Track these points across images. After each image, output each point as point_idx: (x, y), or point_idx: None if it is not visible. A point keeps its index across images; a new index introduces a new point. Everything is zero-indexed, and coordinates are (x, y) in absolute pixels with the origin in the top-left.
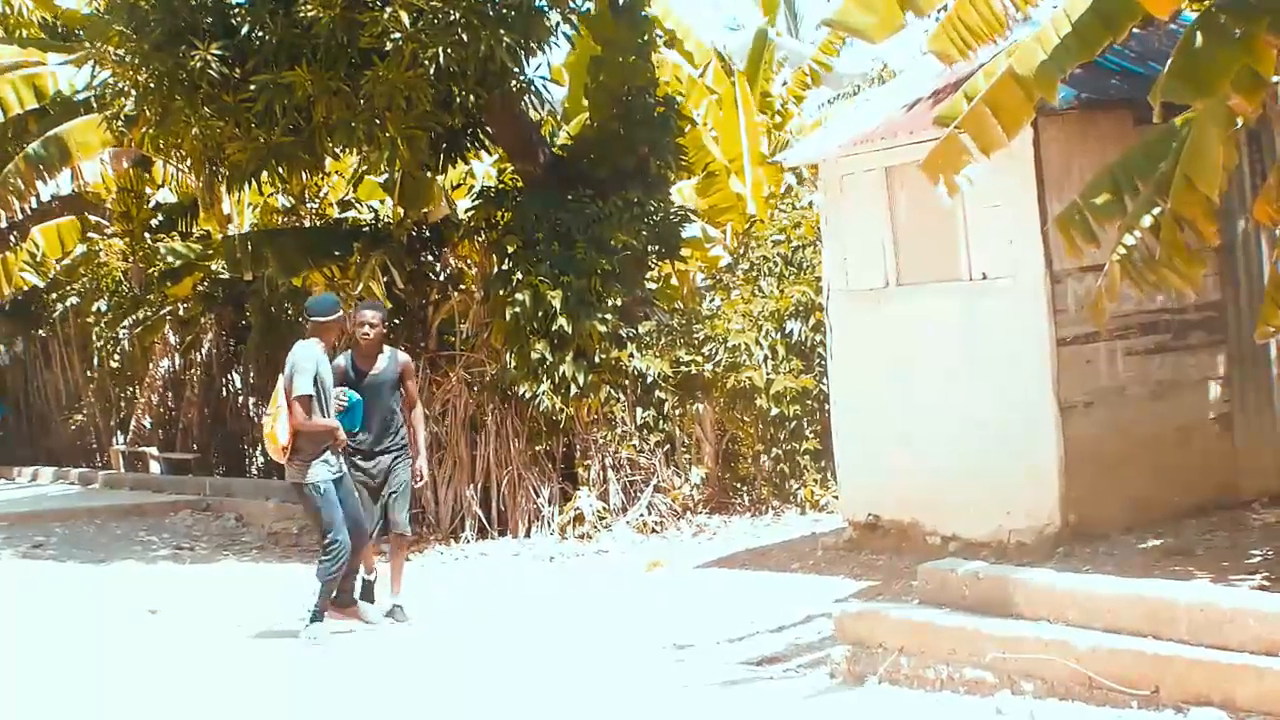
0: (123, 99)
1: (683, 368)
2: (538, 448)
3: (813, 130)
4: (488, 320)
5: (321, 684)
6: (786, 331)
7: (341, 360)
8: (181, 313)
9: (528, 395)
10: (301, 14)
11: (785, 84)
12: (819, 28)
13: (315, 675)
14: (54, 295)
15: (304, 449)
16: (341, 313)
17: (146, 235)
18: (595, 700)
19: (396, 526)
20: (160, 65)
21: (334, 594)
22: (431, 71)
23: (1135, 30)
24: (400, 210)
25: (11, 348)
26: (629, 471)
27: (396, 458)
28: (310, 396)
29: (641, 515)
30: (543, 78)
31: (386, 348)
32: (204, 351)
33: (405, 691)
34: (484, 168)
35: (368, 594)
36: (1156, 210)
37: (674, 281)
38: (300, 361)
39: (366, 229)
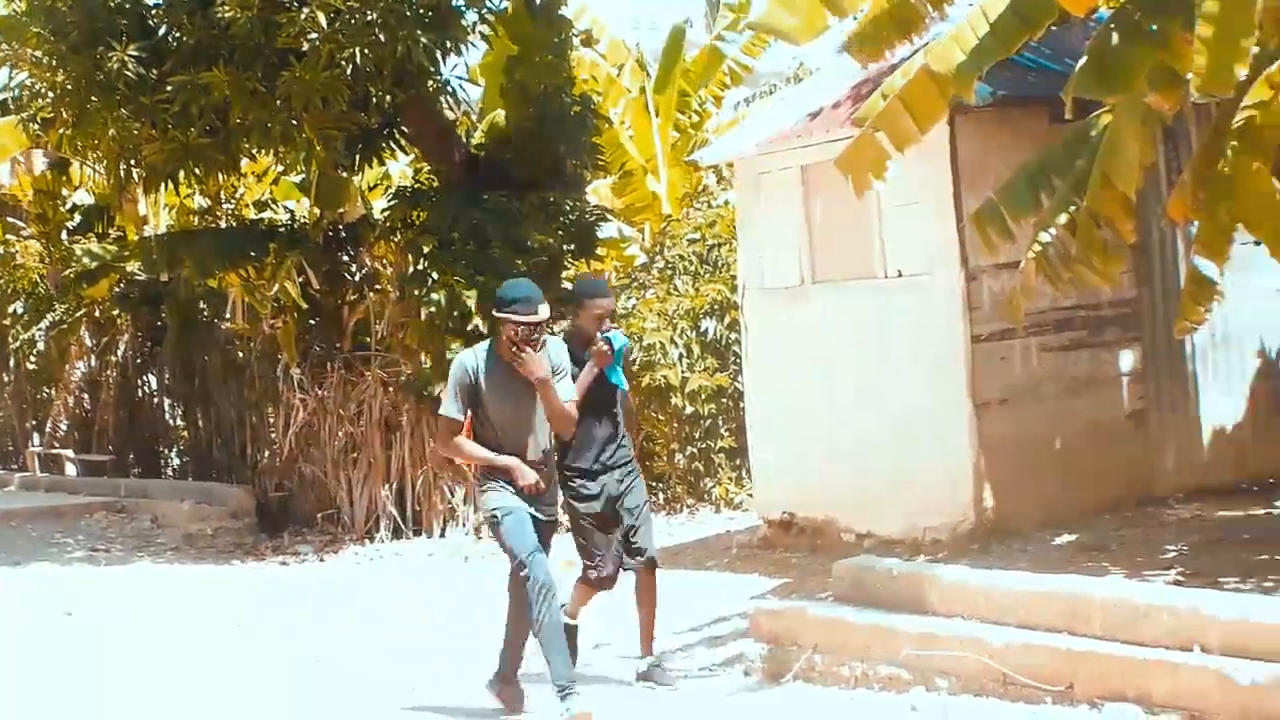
0: (39, 100)
1: None
2: None
3: (729, 129)
4: (403, 320)
5: (230, 679)
6: (702, 330)
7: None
8: (98, 314)
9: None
10: (219, 15)
11: (707, 85)
12: (742, 30)
13: (225, 674)
14: None
15: (483, 470)
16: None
17: (63, 237)
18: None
19: (643, 556)
20: (78, 67)
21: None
22: (348, 71)
23: (1052, 27)
24: (316, 210)
25: None
26: None
27: (629, 473)
28: (453, 419)
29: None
30: (459, 77)
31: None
32: (120, 353)
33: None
34: (400, 168)
35: (570, 644)
36: (1073, 207)
37: None
38: (452, 372)
39: (282, 229)
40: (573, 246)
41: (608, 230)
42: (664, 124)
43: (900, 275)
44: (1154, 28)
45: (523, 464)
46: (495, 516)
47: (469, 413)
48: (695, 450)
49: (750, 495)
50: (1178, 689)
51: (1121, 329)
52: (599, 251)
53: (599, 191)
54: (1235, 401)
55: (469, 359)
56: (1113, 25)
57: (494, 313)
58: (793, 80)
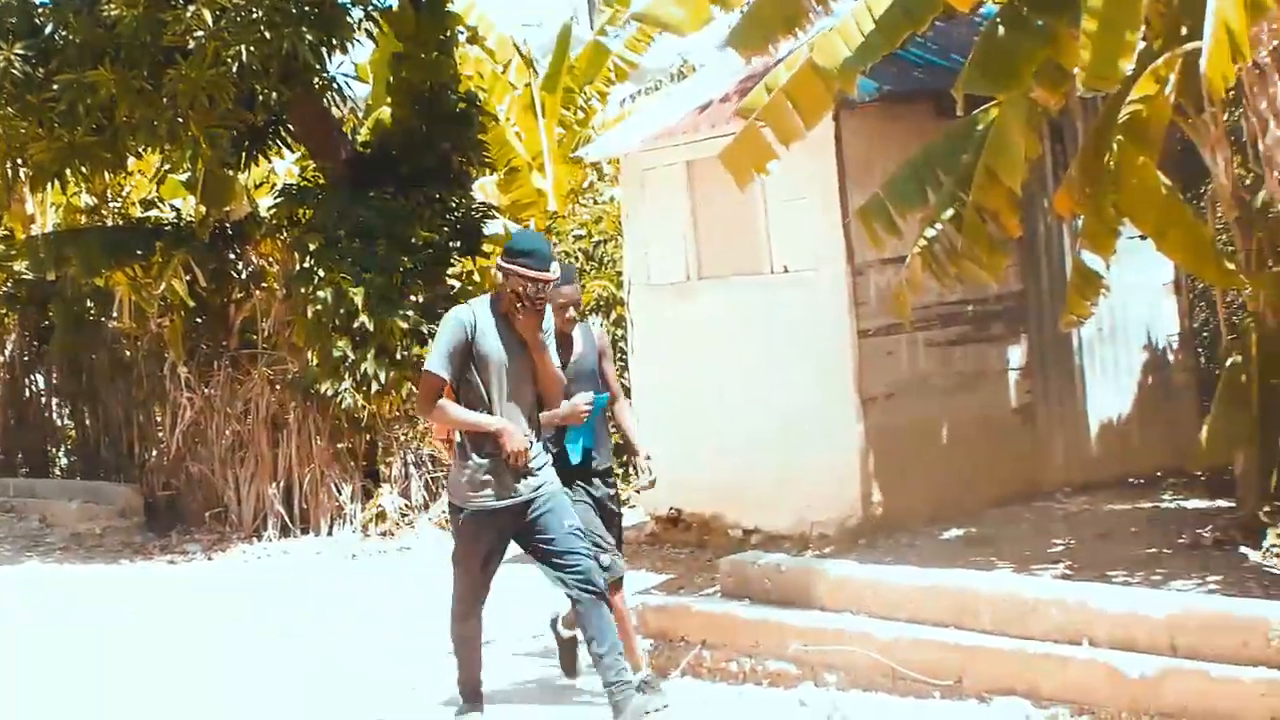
0: None
1: None
2: (340, 445)
3: (615, 126)
4: (290, 318)
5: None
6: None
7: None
8: None
9: (330, 393)
10: (106, 13)
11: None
12: (626, 24)
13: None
14: None
15: (464, 447)
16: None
17: None
18: (395, 700)
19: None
20: None
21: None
22: (234, 69)
23: (938, 23)
24: (203, 209)
25: None
26: (431, 468)
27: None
28: (438, 376)
29: (444, 511)
30: (346, 75)
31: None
32: (7, 353)
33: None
34: (286, 165)
35: (569, 659)
36: (959, 202)
37: (476, 278)
38: (441, 325)
39: (169, 228)
40: (459, 244)
41: (493, 227)
42: (550, 121)
43: (786, 271)
44: (1041, 23)
45: (515, 428)
46: (459, 515)
47: (453, 376)
48: None
49: (638, 491)
50: (1067, 683)
51: (1008, 323)
52: (485, 248)
53: (485, 188)
54: (1122, 395)
55: (465, 314)
56: (1000, 20)
57: (500, 263)
58: (678, 76)
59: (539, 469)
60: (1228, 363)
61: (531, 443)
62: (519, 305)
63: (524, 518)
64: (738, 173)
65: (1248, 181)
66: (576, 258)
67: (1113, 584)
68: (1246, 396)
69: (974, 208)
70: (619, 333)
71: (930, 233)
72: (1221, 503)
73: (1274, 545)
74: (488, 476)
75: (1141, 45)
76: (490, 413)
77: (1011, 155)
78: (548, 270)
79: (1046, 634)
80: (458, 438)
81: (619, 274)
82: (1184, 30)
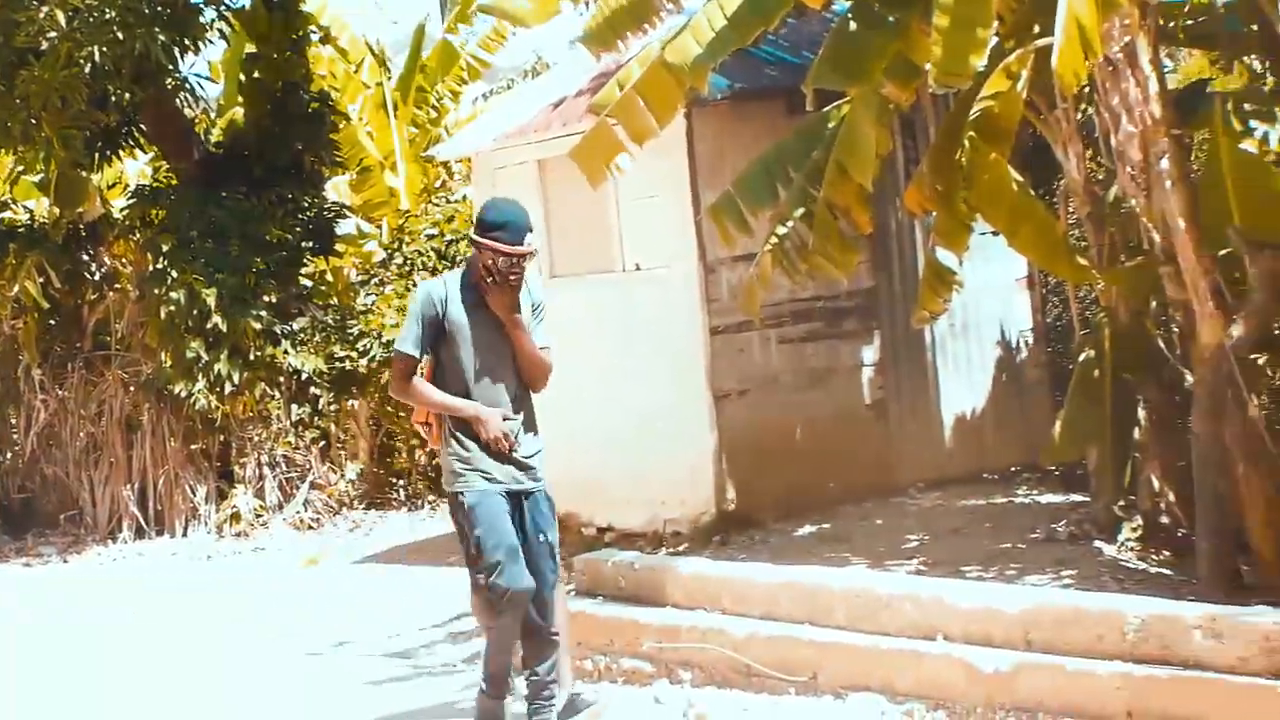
0: None
1: (338, 364)
2: (194, 446)
3: (467, 124)
4: (143, 319)
5: None
6: None
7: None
8: None
9: (183, 394)
10: None
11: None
12: (473, 14)
13: None
14: None
15: (450, 430)
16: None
17: None
18: (249, 701)
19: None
20: None
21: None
22: (87, 70)
23: (790, 19)
24: (56, 210)
25: None
26: (285, 468)
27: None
28: (409, 355)
29: (298, 512)
30: (199, 75)
31: None
32: None
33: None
34: (139, 166)
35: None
36: (810, 199)
37: (329, 278)
38: (410, 301)
39: (22, 229)
40: (311, 243)
41: (346, 226)
42: (402, 120)
43: (639, 269)
44: (892, 19)
45: (491, 413)
46: (461, 500)
47: (428, 353)
48: (434, 447)
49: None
50: (922, 678)
51: (860, 320)
52: (338, 248)
53: (338, 188)
54: (976, 391)
55: (436, 287)
56: (851, 16)
57: (472, 236)
58: (530, 74)
59: (529, 457)
60: (1080, 358)
61: (518, 429)
62: (490, 280)
63: (515, 509)
64: (590, 171)
65: (1100, 177)
66: (429, 257)
67: (967, 579)
68: (1099, 391)
69: (825, 204)
70: None
71: (781, 230)
72: (1075, 497)
73: (1128, 539)
74: (478, 462)
75: (993, 41)
76: (469, 394)
77: (862, 151)
78: (523, 243)
79: (901, 630)
80: (448, 423)
81: None
82: (1036, 27)
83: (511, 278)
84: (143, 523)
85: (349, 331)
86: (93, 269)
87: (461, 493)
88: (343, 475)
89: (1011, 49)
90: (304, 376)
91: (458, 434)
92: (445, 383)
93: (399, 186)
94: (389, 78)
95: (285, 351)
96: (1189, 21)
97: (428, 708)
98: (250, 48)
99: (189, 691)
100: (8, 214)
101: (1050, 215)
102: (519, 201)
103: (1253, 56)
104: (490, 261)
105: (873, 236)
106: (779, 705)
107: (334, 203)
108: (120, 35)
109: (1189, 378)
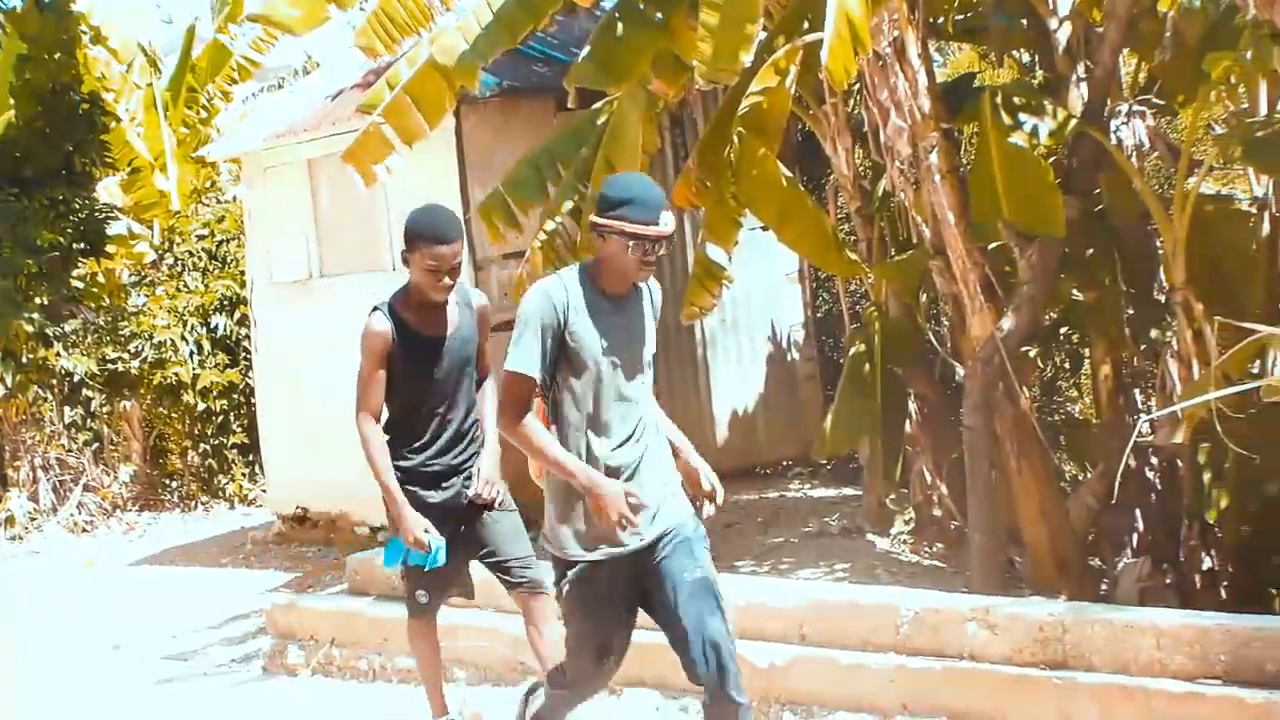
0: None
1: (110, 365)
2: None
3: (238, 124)
4: None
5: None
6: (212, 326)
7: (382, 324)
8: None
9: None
10: None
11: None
12: (242, 22)
13: None
14: None
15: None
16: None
17: None
18: (28, 705)
19: (528, 579)
20: None
21: None
22: None
23: (559, 18)
24: None
25: None
26: (59, 471)
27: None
28: (525, 377)
29: (72, 515)
30: None
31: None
32: None
33: None
34: None
35: None
36: (579, 196)
37: (100, 279)
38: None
39: None
40: (83, 245)
41: (117, 228)
42: (173, 120)
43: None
44: (659, 16)
45: (614, 490)
46: (565, 589)
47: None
48: (208, 447)
49: (264, 491)
50: None
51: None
52: (109, 249)
53: (109, 189)
54: (747, 386)
55: (555, 289)
56: (618, 14)
57: (594, 219)
58: (301, 74)
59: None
60: (851, 352)
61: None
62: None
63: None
64: (361, 171)
65: (869, 172)
66: (200, 258)
67: (740, 574)
68: (870, 385)
69: (593, 201)
70: (243, 332)
71: (550, 226)
72: (848, 491)
73: (901, 533)
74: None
75: (762, 37)
76: (594, 422)
77: (629, 148)
78: (658, 221)
79: None
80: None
81: (243, 273)
82: (806, 23)
83: (648, 264)
84: None
85: (121, 333)
86: None
87: (572, 563)
88: (116, 477)
89: (781, 45)
90: (76, 378)
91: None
92: (567, 416)
93: (170, 188)
94: (159, 78)
95: (58, 354)
96: (959, 16)
97: (206, 708)
98: (22, 49)
99: None
100: None
101: (819, 210)
102: (643, 175)
103: (1022, 50)
104: (624, 249)
105: None
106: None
107: (105, 204)
108: None
109: (960, 371)
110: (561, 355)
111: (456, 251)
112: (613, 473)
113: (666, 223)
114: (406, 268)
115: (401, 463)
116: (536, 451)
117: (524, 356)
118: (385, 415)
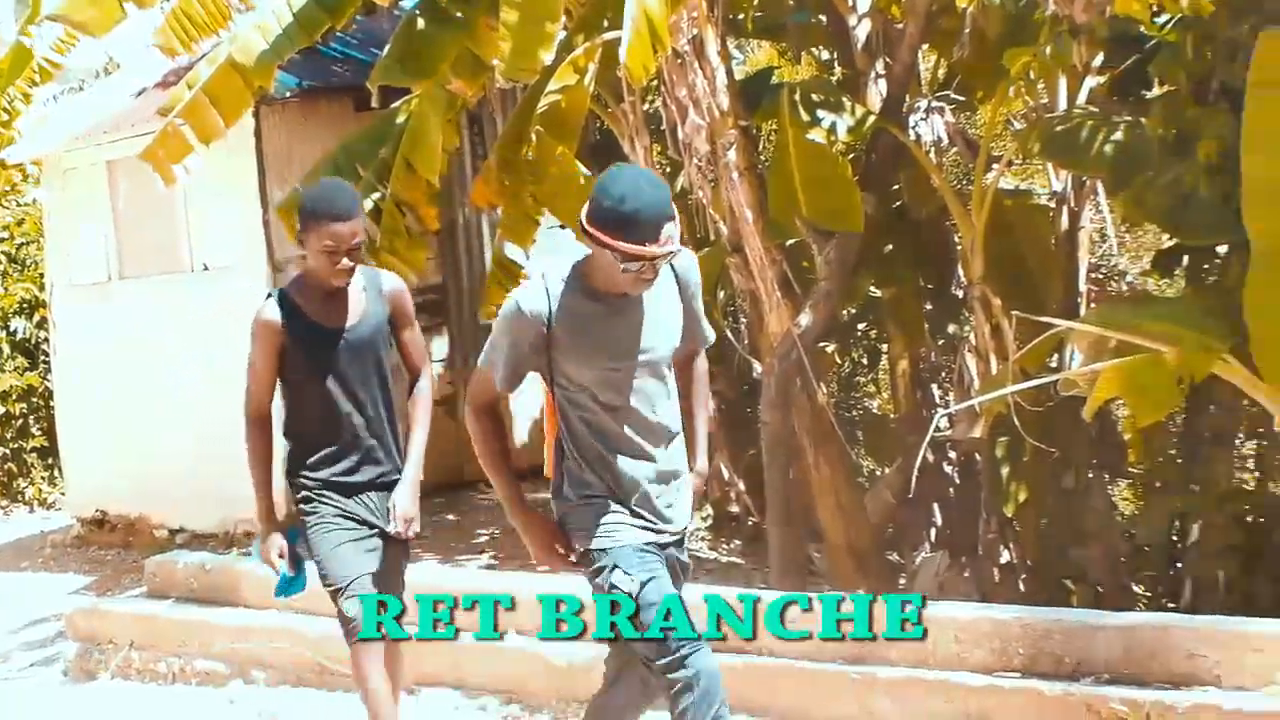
0: None
1: None
2: None
3: (38, 126)
4: None
5: None
6: (11, 329)
7: (273, 312)
8: None
9: None
10: None
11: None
12: (40, 22)
13: None
14: None
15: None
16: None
17: None
18: None
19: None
20: None
21: None
22: None
23: (359, 17)
24: None
25: None
26: None
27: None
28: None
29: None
30: None
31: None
32: None
33: None
34: None
35: None
36: (377, 195)
37: None
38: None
39: None
40: None
41: None
42: None
43: (207, 268)
44: (460, 15)
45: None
46: (595, 560)
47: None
48: (7, 450)
49: (63, 494)
50: (495, 672)
51: (429, 316)
52: None
53: None
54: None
55: (534, 300)
56: (419, 12)
57: (584, 227)
58: (103, 75)
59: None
60: None
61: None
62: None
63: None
64: (161, 172)
65: (667, 169)
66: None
67: (538, 574)
68: None
69: (393, 201)
70: (43, 335)
71: None
72: None
73: (699, 529)
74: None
75: (562, 35)
76: (604, 437)
77: (429, 147)
78: (657, 240)
79: (474, 624)
80: (565, 446)
81: (42, 276)
82: (605, 21)
83: (645, 281)
84: None
85: None
86: None
87: (603, 550)
88: None
89: (580, 43)
90: None
91: (585, 465)
92: (576, 427)
93: None
94: None
95: None
96: (758, 13)
97: (7, 713)
98: None
99: None
100: None
101: None
102: (651, 173)
103: (821, 47)
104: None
105: (440, 233)
106: (352, 703)
107: None
108: None
109: (758, 367)
110: (550, 366)
111: (355, 230)
112: (631, 486)
113: (668, 237)
114: (301, 249)
115: (309, 474)
116: (479, 454)
117: (491, 363)
118: (291, 421)
